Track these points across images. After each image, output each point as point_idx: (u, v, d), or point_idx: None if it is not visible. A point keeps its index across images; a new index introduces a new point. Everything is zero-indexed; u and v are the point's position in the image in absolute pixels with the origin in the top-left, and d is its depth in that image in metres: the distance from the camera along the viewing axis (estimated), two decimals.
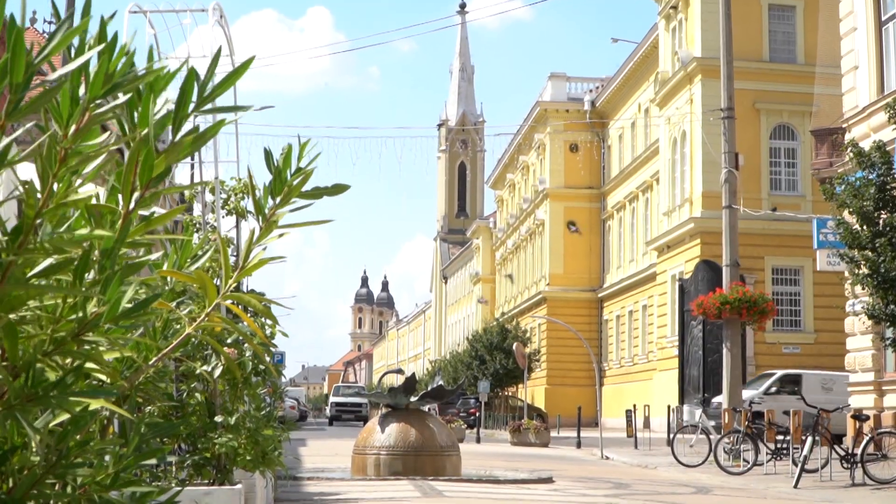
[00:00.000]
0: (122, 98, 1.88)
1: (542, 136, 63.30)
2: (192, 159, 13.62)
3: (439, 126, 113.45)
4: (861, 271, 17.44)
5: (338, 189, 2.21)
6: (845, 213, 18.70)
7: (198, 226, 14.13)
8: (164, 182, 1.99)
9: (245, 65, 2.08)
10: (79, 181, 1.89)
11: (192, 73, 1.99)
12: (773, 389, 33.32)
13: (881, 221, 17.45)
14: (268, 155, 2.19)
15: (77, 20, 1.87)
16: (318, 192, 2.18)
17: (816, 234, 26.14)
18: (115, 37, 1.87)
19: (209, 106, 2.01)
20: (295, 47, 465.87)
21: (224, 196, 15.42)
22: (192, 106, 2.00)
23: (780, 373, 36.20)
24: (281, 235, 2.22)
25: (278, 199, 2.15)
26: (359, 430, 35.64)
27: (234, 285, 2.19)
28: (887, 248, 16.92)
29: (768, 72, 41.19)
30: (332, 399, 65.39)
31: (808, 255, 33.90)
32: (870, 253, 17.26)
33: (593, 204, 61.51)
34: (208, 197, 13.77)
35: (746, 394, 34.97)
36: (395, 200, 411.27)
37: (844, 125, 26.23)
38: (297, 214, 2.19)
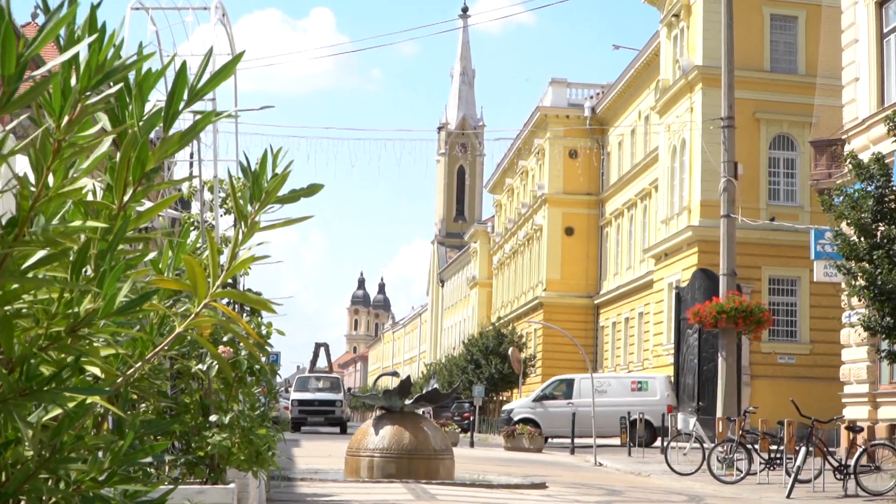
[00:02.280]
0: (113, 88, 1.87)
1: (542, 142, 63.31)
2: (192, 158, 13.61)
3: (439, 129, 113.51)
4: (858, 283, 17.45)
5: (312, 189, 2.25)
6: (843, 225, 18.70)
7: (196, 224, 14.12)
8: (162, 177, 2.00)
9: (233, 62, 2.08)
10: (75, 174, 1.88)
11: (183, 70, 1.99)
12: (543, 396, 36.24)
13: (879, 233, 17.45)
14: (243, 166, 2.23)
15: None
16: (294, 196, 2.23)
17: (814, 245, 26.16)
18: (104, 26, 1.87)
19: (199, 106, 2.02)
20: (298, 48, 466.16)
21: (223, 195, 15.41)
22: (182, 103, 2.00)
23: (552, 379, 37.85)
24: (260, 244, 2.25)
25: (257, 205, 2.20)
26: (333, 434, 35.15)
27: (225, 284, 2.20)
28: (884, 260, 16.93)
29: (769, 82, 41.19)
30: (293, 395, 45.13)
31: (806, 266, 33.90)
32: (867, 265, 17.27)
33: (591, 210, 61.51)
34: (207, 196, 13.76)
35: (518, 403, 37.40)
36: (394, 203, 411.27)
37: (844, 137, 26.25)
38: (281, 214, 2.23)
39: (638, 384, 36.00)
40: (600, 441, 29.72)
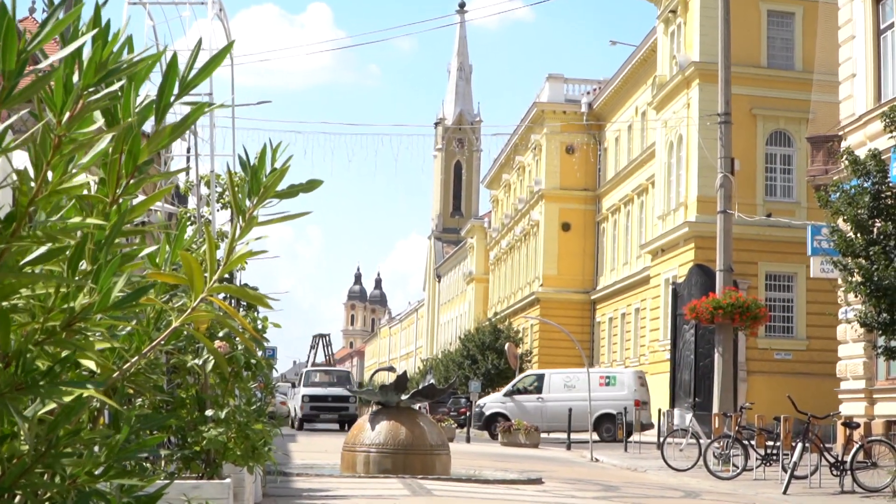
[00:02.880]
0: (115, 85, 1.87)
1: (539, 137, 63.31)
2: (189, 152, 13.61)
3: (436, 125, 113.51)
4: (854, 279, 17.46)
5: (312, 185, 2.25)
6: (840, 221, 18.71)
7: (192, 219, 14.10)
8: (157, 169, 2.00)
9: (224, 50, 2.07)
10: (74, 169, 1.88)
11: (174, 61, 1.98)
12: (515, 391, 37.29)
13: (875, 230, 17.47)
14: (242, 160, 2.23)
15: (71, 8, 1.86)
16: (293, 191, 2.23)
17: (811, 241, 26.18)
18: (108, 24, 1.86)
19: (190, 98, 2.01)
20: (295, 43, 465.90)
21: (219, 190, 15.40)
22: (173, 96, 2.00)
23: (524, 374, 38.70)
24: (258, 238, 2.24)
25: (255, 200, 2.19)
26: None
27: (222, 279, 2.20)
28: (881, 257, 16.94)
29: (766, 78, 41.20)
30: (302, 391, 42.09)
31: (802, 262, 33.97)
32: (863, 261, 17.28)
33: (588, 206, 61.54)
34: (203, 190, 13.75)
35: (490, 398, 38.42)
36: (391, 198, 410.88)
37: (841, 133, 26.26)
38: (279, 208, 2.23)
39: (606, 379, 36.51)
40: (572, 436, 30.29)
